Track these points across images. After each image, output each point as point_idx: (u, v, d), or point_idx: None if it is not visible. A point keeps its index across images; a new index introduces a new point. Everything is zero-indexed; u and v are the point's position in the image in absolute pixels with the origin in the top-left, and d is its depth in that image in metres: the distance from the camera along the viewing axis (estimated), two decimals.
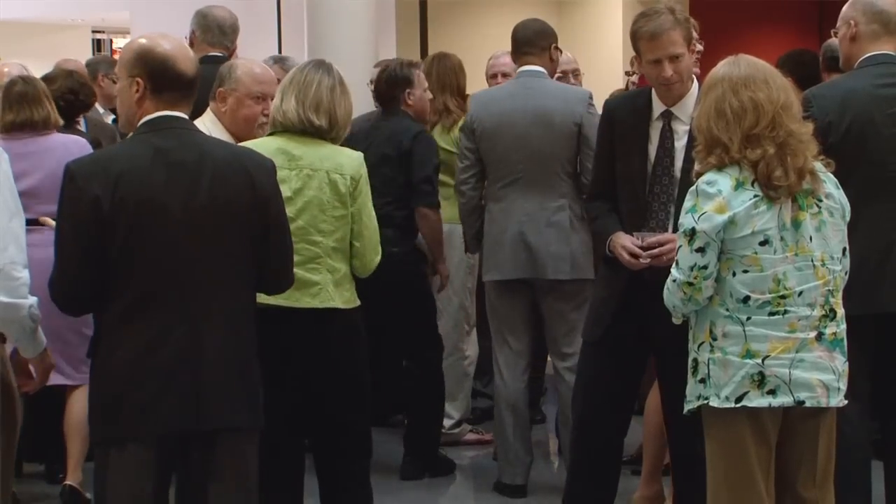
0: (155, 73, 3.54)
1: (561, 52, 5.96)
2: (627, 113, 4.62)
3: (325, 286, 4.30)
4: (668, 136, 4.49)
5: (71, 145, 5.40)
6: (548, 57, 5.80)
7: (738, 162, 3.71)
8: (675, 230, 4.12)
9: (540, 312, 5.79)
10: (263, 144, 4.27)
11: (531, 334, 5.87)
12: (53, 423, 5.64)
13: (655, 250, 4.36)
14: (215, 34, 5.81)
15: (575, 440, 4.84)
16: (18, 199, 3.80)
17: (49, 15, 14.37)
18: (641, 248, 4.40)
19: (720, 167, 3.73)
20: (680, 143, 4.46)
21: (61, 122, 5.65)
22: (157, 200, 3.43)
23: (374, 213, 4.44)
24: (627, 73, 6.41)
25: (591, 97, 5.72)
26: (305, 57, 7.77)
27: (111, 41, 16.22)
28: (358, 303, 4.43)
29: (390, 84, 6.09)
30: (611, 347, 4.58)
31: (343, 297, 4.36)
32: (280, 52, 9.39)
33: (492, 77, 6.75)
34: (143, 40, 3.61)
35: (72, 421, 5.57)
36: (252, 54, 6.74)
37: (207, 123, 4.45)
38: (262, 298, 4.07)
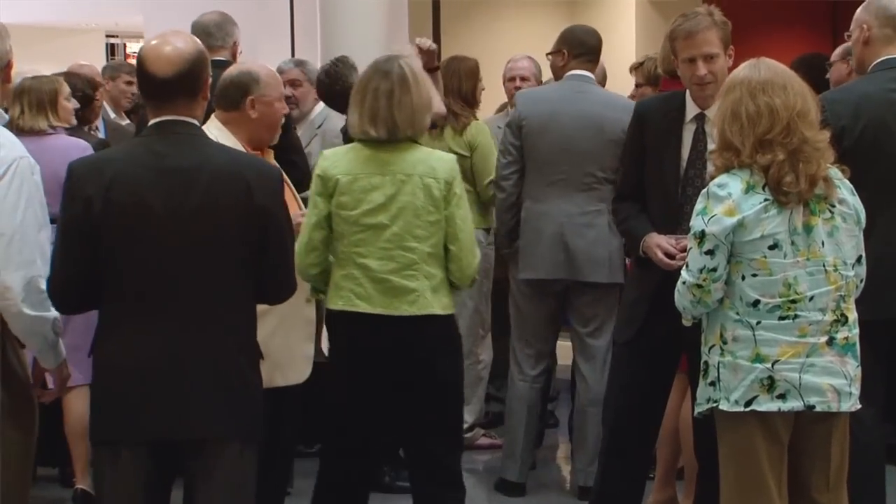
0: (138, 78, 3.59)
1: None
2: (660, 115, 4.62)
3: (422, 293, 4.22)
4: (700, 138, 4.49)
5: (71, 149, 5.40)
6: (596, 65, 5.88)
7: (748, 166, 3.71)
8: None
9: (566, 313, 5.81)
10: (353, 152, 4.27)
11: (554, 337, 5.89)
12: (62, 426, 5.65)
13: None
14: (202, 39, 5.84)
15: (608, 442, 4.82)
16: (47, 210, 3.83)
17: (63, 19, 14.42)
18: (679, 250, 4.40)
19: (727, 169, 3.73)
20: (712, 146, 4.45)
21: (66, 124, 5.67)
22: (146, 204, 3.43)
23: (469, 215, 4.35)
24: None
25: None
26: (318, 60, 7.78)
27: (125, 45, 16.26)
28: (454, 309, 4.35)
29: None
30: (643, 348, 4.58)
31: (441, 304, 4.27)
32: (293, 55, 9.40)
33: (509, 80, 6.78)
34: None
35: (71, 424, 5.56)
36: (265, 57, 6.77)
37: (213, 131, 4.42)
38: (357, 306, 4.18)
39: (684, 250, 4.36)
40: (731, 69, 3.93)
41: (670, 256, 4.41)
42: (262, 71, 4.56)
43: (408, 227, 4.21)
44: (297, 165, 5.16)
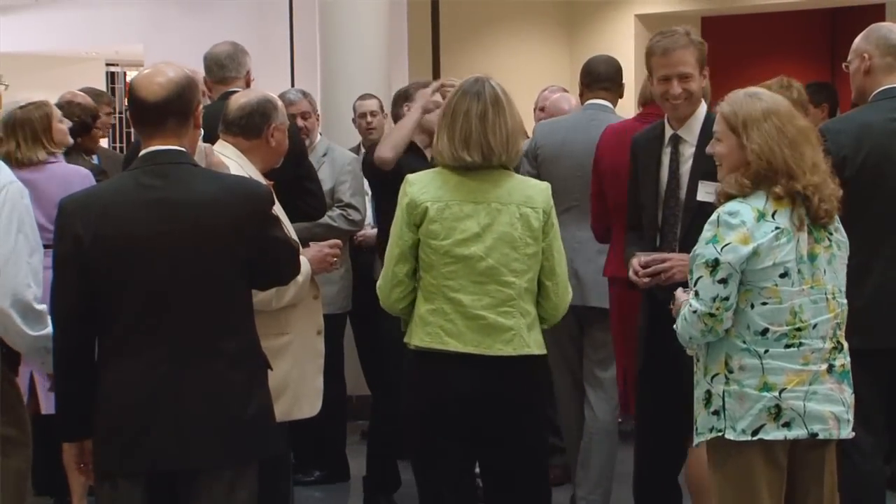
0: (130, 106, 3.59)
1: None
2: (646, 142, 4.65)
3: (518, 331, 3.96)
4: (674, 159, 4.51)
5: (72, 176, 5.42)
6: (618, 93, 5.88)
7: (796, 192, 3.67)
8: (681, 252, 4.25)
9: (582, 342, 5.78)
10: (440, 178, 4.02)
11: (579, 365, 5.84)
12: (60, 454, 5.63)
13: (650, 269, 4.36)
14: (216, 72, 5.83)
15: (635, 476, 4.78)
16: (38, 233, 3.89)
17: (63, 47, 14.42)
18: (641, 267, 4.40)
19: (776, 198, 3.69)
20: (686, 167, 4.47)
21: (63, 146, 5.64)
22: (135, 238, 3.44)
23: (563, 248, 4.11)
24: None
25: None
26: (318, 90, 7.79)
27: (125, 74, 16.28)
28: (545, 350, 4.10)
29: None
30: (650, 375, 4.57)
31: (537, 343, 4.03)
32: (293, 83, 9.42)
33: (540, 109, 6.77)
34: None
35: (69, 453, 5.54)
36: (265, 85, 6.74)
37: (233, 159, 4.32)
38: (447, 344, 3.93)
39: (645, 266, 4.36)
40: (719, 94, 3.92)
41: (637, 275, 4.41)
42: (276, 98, 4.56)
43: (505, 260, 3.95)
44: (314, 194, 5.16)
